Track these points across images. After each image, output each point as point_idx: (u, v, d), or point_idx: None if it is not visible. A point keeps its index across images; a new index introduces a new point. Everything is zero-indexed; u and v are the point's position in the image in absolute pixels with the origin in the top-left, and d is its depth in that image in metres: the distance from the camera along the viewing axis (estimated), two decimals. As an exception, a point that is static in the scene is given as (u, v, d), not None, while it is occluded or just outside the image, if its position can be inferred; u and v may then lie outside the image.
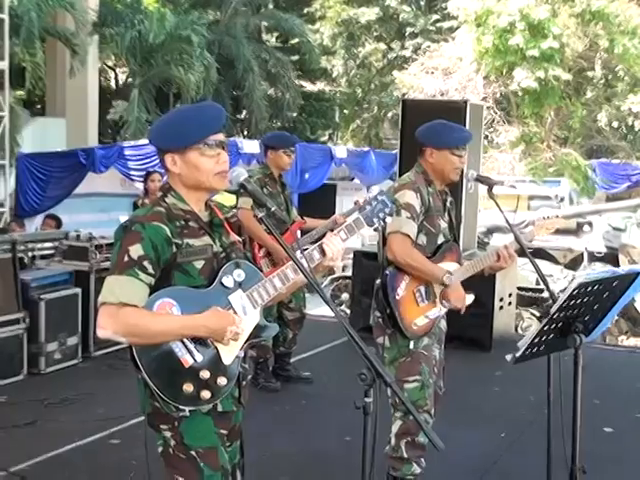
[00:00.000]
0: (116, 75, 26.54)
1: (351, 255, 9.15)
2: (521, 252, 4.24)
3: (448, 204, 4.48)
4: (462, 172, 4.45)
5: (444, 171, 4.31)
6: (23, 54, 16.36)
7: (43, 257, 7.90)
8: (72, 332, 7.32)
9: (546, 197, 21.32)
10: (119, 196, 14.49)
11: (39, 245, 7.96)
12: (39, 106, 23.11)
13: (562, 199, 21.49)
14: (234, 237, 2.98)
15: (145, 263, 2.69)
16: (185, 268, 2.77)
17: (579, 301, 3.27)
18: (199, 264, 2.80)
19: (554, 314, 3.24)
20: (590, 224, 19.30)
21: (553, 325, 3.32)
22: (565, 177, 22.23)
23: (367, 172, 18.39)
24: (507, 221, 4.20)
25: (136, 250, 2.69)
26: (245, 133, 24.65)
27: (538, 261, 16.08)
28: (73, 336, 7.33)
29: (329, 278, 16.99)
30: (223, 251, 2.89)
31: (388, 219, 3.12)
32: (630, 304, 11.76)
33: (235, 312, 2.81)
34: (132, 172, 13.36)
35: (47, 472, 4.85)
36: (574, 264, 14.97)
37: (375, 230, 3.61)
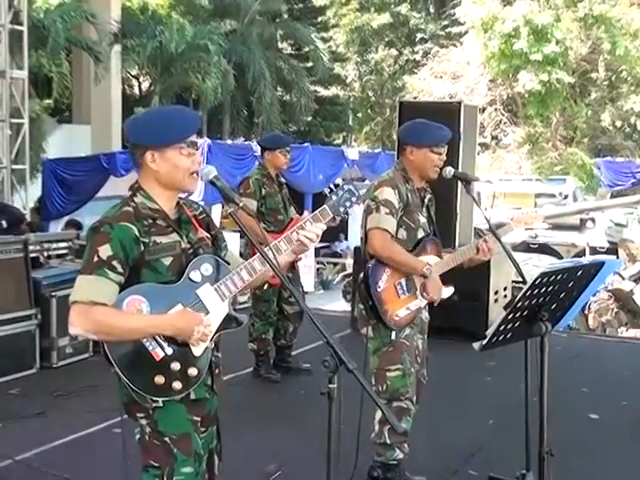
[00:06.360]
0: (139, 83, 27.13)
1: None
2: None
3: (427, 200, 4.49)
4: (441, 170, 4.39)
5: (423, 168, 4.31)
6: (50, 65, 17.01)
7: (58, 256, 8.02)
8: (84, 327, 7.74)
9: (551, 195, 21.95)
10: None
11: (54, 245, 8.08)
12: (66, 114, 23.70)
13: (566, 196, 22.09)
14: (202, 233, 3.00)
15: (114, 263, 2.74)
16: (153, 265, 2.81)
17: (543, 290, 3.32)
18: (167, 260, 2.83)
19: (518, 303, 3.30)
20: (593, 220, 19.90)
21: (518, 313, 3.36)
22: (570, 175, 22.78)
23: (378, 173, 18.23)
24: (485, 217, 4.46)
25: (105, 250, 2.74)
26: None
27: (542, 256, 16.72)
28: (85, 331, 7.65)
29: (341, 275, 17.58)
30: (191, 247, 2.92)
31: (355, 207, 3.17)
32: (629, 296, 12.22)
33: (204, 305, 2.86)
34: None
35: (51, 459, 4.96)
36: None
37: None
